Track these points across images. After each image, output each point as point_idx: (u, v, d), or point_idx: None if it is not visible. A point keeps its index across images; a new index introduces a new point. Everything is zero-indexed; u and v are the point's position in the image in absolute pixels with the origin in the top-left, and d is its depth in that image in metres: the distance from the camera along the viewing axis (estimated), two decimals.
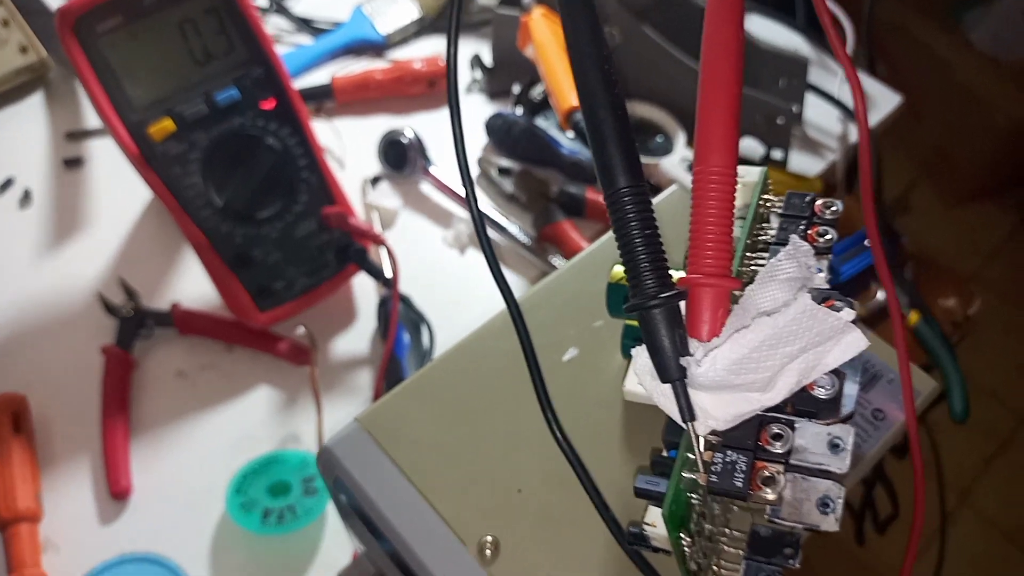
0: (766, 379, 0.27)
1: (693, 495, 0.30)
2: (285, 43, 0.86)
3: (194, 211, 0.61)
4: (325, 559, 0.59)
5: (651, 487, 0.31)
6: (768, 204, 0.35)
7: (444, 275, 0.72)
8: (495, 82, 0.82)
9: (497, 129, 0.76)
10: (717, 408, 0.28)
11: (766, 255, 0.33)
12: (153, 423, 0.64)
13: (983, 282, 1.65)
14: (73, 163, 0.77)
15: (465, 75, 0.84)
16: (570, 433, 0.35)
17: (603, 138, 0.28)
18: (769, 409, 0.28)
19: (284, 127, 0.62)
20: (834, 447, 0.30)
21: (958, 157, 1.70)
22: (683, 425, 0.28)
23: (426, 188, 0.77)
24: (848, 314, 0.27)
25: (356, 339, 0.69)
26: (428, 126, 0.78)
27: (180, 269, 0.71)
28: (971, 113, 1.63)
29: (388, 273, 0.67)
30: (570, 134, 0.74)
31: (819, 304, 0.27)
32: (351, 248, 0.66)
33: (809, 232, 0.33)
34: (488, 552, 0.37)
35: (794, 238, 0.29)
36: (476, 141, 0.78)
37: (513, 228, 0.72)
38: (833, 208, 0.33)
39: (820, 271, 0.30)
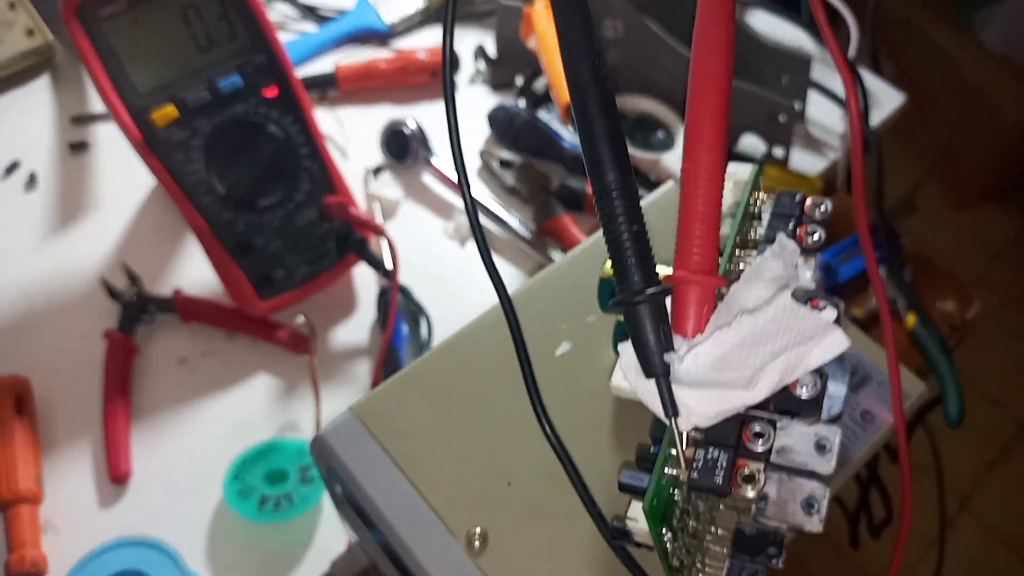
0: (748, 377, 0.27)
1: (676, 491, 0.30)
2: (290, 30, 0.87)
3: (196, 198, 0.61)
4: (320, 547, 0.59)
5: (635, 482, 0.31)
6: (759, 202, 0.35)
7: (444, 267, 0.72)
8: (498, 73, 0.82)
9: (499, 121, 0.76)
10: (700, 405, 0.28)
11: (755, 252, 0.33)
12: (153, 408, 0.64)
13: (986, 285, 1.64)
14: (78, 147, 0.77)
15: (468, 66, 0.84)
16: (560, 427, 0.35)
17: (592, 133, 0.28)
18: (752, 407, 0.29)
19: (286, 115, 0.63)
20: (820, 448, 0.30)
21: (965, 158, 1.69)
22: (666, 421, 0.29)
23: (428, 179, 0.77)
24: (830, 314, 0.27)
25: (355, 329, 0.69)
26: (431, 117, 0.79)
27: (183, 255, 0.72)
28: (979, 113, 1.62)
29: (388, 264, 0.67)
30: (572, 128, 0.74)
31: (804, 303, 0.28)
32: (352, 238, 0.66)
33: (798, 231, 0.33)
34: (477, 544, 0.38)
35: (781, 237, 0.29)
36: (478, 133, 0.78)
37: (513, 221, 0.73)
38: (822, 207, 0.33)
39: (807, 270, 0.30)
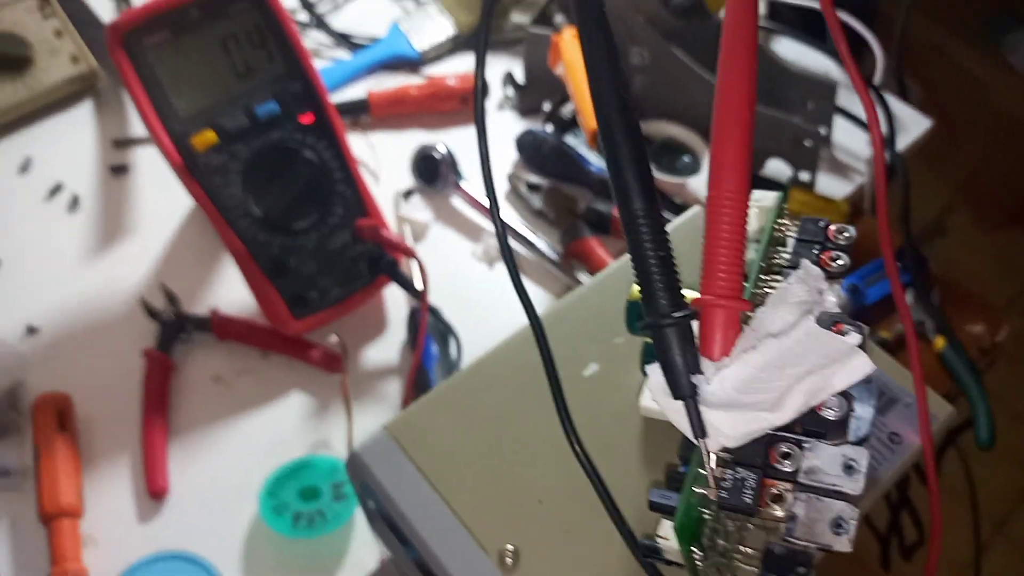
0: (774, 399, 0.28)
1: (705, 510, 0.31)
2: (324, 57, 0.89)
3: (234, 220, 0.63)
4: (353, 562, 0.60)
5: (664, 501, 0.32)
6: (784, 228, 0.36)
7: (472, 288, 0.74)
8: (526, 99, 0.84)
9: (527, 146, 0.78)
10: (727, 426, 0.29)
11: (780, 278, 0.34)
12: (190, 425, 0.66)
13: (1017, 308, 1.62)
14: (119, 170, 0.80)
15: (497, 92, 0.86)
16: (589, 446, 0.36)
17: (619, 162, 0.29)
18: (779, 428, 0.29)
19: (321, 141, 0.64)
20: (848, 469, 0.30)
21: (994, 180, 1.68)
22: (694, 441, 0.30)
23: (457, 202, 0.79)
24: (854, 338, 0.28)
25: (386, 349, 0.70)
26: (460, 142, 0.80)
27: (219, 276, 0.74)
28: (1008, 136, 1.61)
29: (418, 285, 0.68)
30: (598, 152, 0.76)
31: (829, 328, 0.28)
32: (383, 260, 0.67)
33: (822, 257, 0.34)
34: (509, 560, 0.39)
35: (805, 263, 0.30)
36: (506, 157, 0.80)
37: (541, 243, 0.74)
38: (846, 234, 0.34)
39: (831, 295, 0.31)
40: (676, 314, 0.29)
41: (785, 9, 0.88)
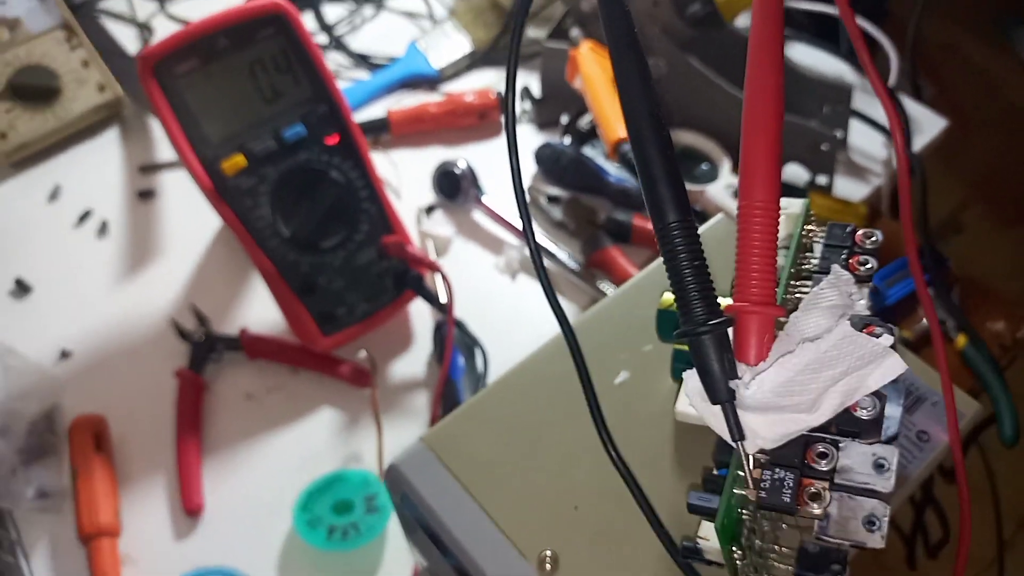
0: (811, 400, 0.29)
1: (743, 510, 0.32)
2: (343, 78, 0.90)
3: (263, 241, 0.64)
4: (387, 573, 0.61)
5: (703, 503, 0.33)
6: (811, 234, 0.37)
7: (496, 300, 0.75)
8: (544, 113, 0.85)
9: (546, 159, 0.79)
10: (765, 428, 0.30)
11: (809, 283, 0.35)
12: (224, 443, 0.67)
13: None
14: (146, 195, 0.81)
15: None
16: (622, 452, 0.36)
17: (653, 176, 0.30)
18: (814, 429, 0.30)
19: (347, 161, 0.66)
20: (879, 467, 0.31)
21: (1011, 179, 1.68)
22: (733, 444, 0.30)
23: (478, 216, 0.80)
24: (887, 340, 0.29)
25: (413, 362, 0.71)
26: (480, 157, 0.81)
27: (247, 296, 0.75)
28: (1022, 132, 1.61)
29: (443, 299, 0.69)
30: (617, 163, 0.77)
31: (860, 330, 0.29)
32: (409, 275, 0.69)
33: (850, 261, 0.34)
34: (548, 566, 0.39)
35: (836, 267, 0.31)
36: (525, 170, 0.81)
37: (562, 255, 0.75)
38: (873, 238, 0.35)
39: (861, 299, 0.32)
40: (712, 322, 0.30)
41: (797, 14, 0.89)
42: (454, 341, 0.69)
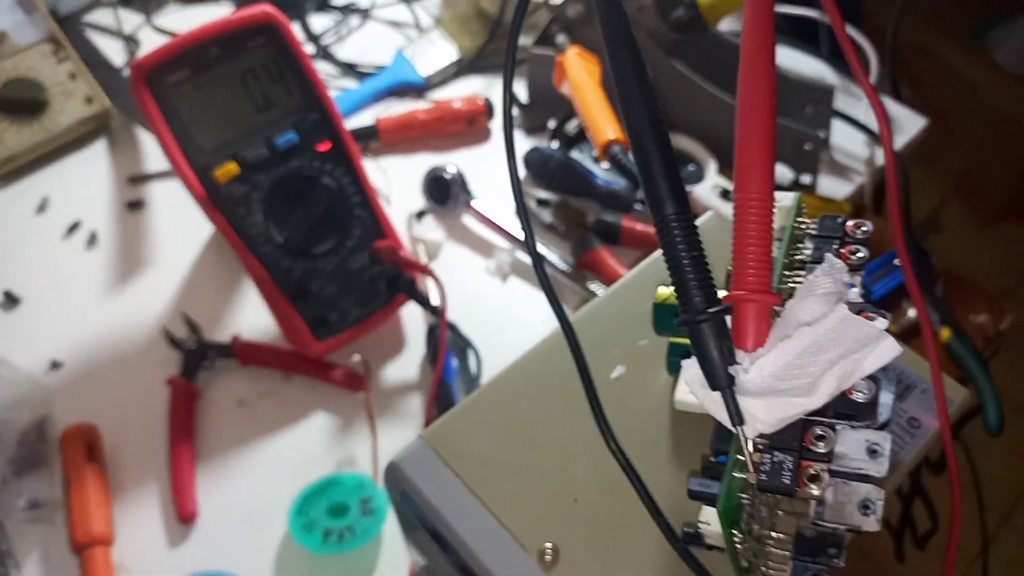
0: (808, 384, 0.30)
1: (743, 495, 0.32)
2: (331, 87, 0.91)
3: (256, 248, 0.64)
4: (383, 574, 0.61)
5: (704, 489, 0.34)
6: (803, 226, 0.38)
7: (488, 302, 0.75)
8: (531, 118, 0.86)
9: (534, 163, 0.80)
10: (764, 412, 0.30)
11: (803, 273, 0.36)
12: (217, 450, 0.67)
13: (1017, 300, 1.65)
14: (136, 205, 0.81)
15: (501, 112, 0.88)
16: (621, 445, 0.37)
17: (651, 170, 0.31)
18: (812, 413, 0.31)
19: (339, 167, 0.66)
20: (873, 453, 0.32)
21: (988, 177, 1.71)
22: (733, 429, 0.31)
23: (468, 221, 0.80)
24: (881, 323, 0.30)
25: (406, 366, 0.72)
26: (469, 162, 0.82)
27: (238, 303, 0.75)
28: (999, 133, 1.64)
29: (436, 302, 0.70)
30: (605, 165, 0.78)
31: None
32: (401, 279, 0.69)
33: (842, 251, 0.35)
34: (548, 558, 0.40)
35: (829, 256, 0.32)
36: None
37: (553, 256, 0.76)
38: (864, 228, 0.36)
39: (853, 286, 0.33)
40: (711, 310, 0.30)
41: (776, 17, 0.90)
42: (448, 343, 0.69)
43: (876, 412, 0.31)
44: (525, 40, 0.87)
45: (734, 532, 0.31)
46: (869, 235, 0.35)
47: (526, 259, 0.76)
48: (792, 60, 0.90)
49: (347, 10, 0.98)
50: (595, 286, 0.74)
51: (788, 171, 0.79)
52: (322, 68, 0.92)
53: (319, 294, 0.67)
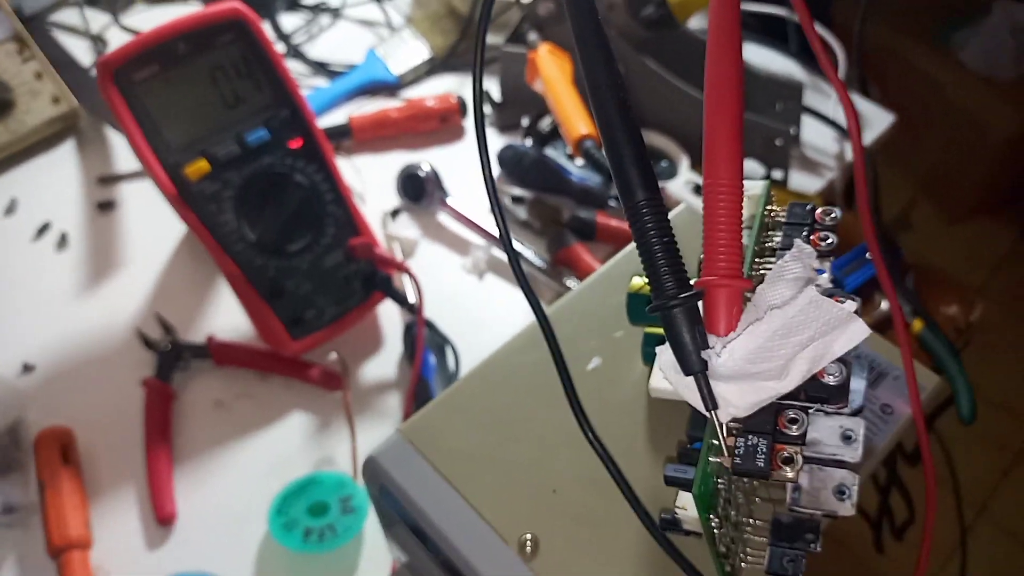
0: (780, 367, 0.30)
1: (719, 479, 0.33)
2: (303, 86, 0.91)
3: (229, 246, 0.64)
4: (364, 572, 0.61)
5: (680, 474, 0.34)
6: (772, 214, 0.38)
7: (464, 300, 0.75)
8: (504, 116, 0.86)
9: (508, 160, 0.80)
10: (737, 397, 0.31)
11: (773, 260, 0.36)
12: (194, 451, 0.66)
13: (987, 295, 1.68)
14: (106, 206, 0.80)
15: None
16: (599, 435, 0.37)
17: (621, 157, 0.31)
18: (784, 397, 0.31)
19: (311, 164, 0.66)
20: (847, 439, 0.32)
21: (956, 175, 1.74)
22: (706, 414, 0.31)
23: (443, 218, 0.80)
24: (851, 305, 0.30)
25: (383, 364, 0.72)
26: (443, 160, 0.82)
27: (213, 303, 0.75)
28: (965, 131, 1.67)
29: (412, 299, 0.70)
30: (579, 162, 0.78)
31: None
32: (377, 277, 0.69)
33: (812, 237, 0.36)
34: (528, 549, 0.40)
35: (798, 241, 0.32)
36: None
37: (528, 253, 0.76)
38: (832, 215, 0.36)
39: (823, 272, 0.33)
40: (683, 295, 0.31)
41: (745, 15, 0.91)
42: (425, 340, 0.69)
43: (847, 395, 0.31)
44: (497, 38, 0.87)
45: (711, 516, 0.32)
46: (838, 222, 0.36)
47: (502, 256, 0.77)
48: (762, 57, 0.91)
49: (318, 9, 0.98)
50: (571, 282, 0.74)
51: (759, 167, 0.80)
52: (293, 67, 0.92)
53: (294, 292, 0.67)
